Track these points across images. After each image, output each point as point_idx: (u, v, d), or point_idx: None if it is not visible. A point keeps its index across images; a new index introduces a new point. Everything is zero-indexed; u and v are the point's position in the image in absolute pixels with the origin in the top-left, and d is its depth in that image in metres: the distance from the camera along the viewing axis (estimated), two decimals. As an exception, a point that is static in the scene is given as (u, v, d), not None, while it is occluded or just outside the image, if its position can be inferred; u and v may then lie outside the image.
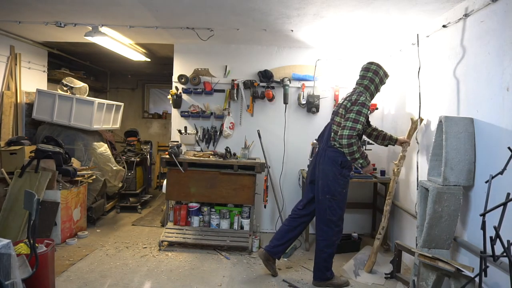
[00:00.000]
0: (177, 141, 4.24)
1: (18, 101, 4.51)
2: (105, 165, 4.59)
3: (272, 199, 4.49)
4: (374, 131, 3.42)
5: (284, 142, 4.44)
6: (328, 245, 3.01)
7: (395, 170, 3.42)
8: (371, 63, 3.05)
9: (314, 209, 3.13)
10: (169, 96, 4.46)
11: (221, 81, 4.44)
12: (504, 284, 2.10)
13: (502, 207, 1.82)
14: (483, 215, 1.86)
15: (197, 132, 4.46)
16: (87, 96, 4.83)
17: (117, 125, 5.40)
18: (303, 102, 4.35)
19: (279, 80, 4.35)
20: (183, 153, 4.15)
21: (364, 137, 4.03)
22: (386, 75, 3.08)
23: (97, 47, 4.51)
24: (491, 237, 1.77)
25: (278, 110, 4.44)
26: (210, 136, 4.47)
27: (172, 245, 3.80)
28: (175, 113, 4.55)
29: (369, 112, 2.96)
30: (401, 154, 3.36)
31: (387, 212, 3.37)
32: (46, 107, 4.53)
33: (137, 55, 4.98)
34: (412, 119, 3.41)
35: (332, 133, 2.97)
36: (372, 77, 3.00)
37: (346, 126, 2.80)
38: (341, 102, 3.06)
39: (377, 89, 3.06)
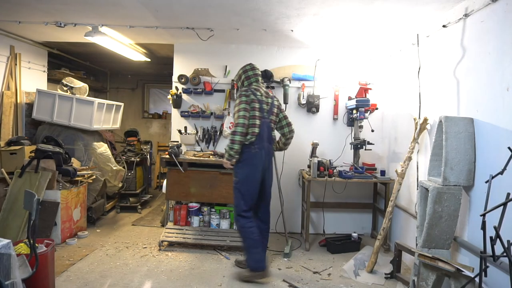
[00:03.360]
0: (177, 141, 4.24)
1: (18, 101, 4.51)
2: (105, 165, 4.59)
3: (272, 199, 4.48)
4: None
5: (284, 142, 4.44)
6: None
7: (400, 171, 3.36)
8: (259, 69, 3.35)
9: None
10: (169, 96, 4.45)
11: (221, 81, 4.44)
12: (504, 284, 2.10)
13: (502, 207, 1.82)
14: (483, 215, 1.86)
15: (197, 132, 4.46)
16: (87, 96, 4.83)
17: (117, 125, 5.40)
18: (303, 102, 4.35)
19: (279, 80, 4.35)
20: (183, 153, 4.15)
21: (364, 137, 4.06)
22: None
23: (97, 47, 4.51)
24: (491, 237, 1.77)
25: (278, 110, 4.44)
26: (210, 136, 4.47)
27: (172, 245, 3.80)
28: (175, 113, 4.55)
29: None
30: (407, 155, 3.34)
31: (389, 214, 3.36)
32: (46, 107, 4.53)
33: (137, 55, 4.98)
34: (414, 119, 3.40)
35: (273, 133, 3.30)
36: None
37: (287, 118, 3.40)
38: (268, 101, 3.19)
39: None
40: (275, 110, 3.27)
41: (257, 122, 3.08)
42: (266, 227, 3.36)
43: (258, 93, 3.14)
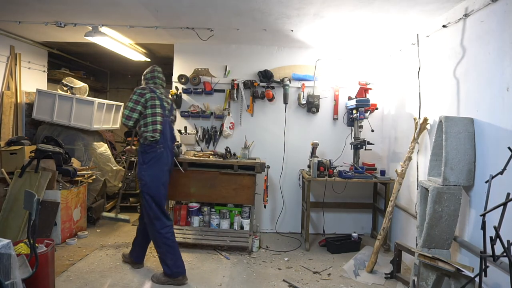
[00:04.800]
0: (177, 141, 4.24)
1: (18, 101, 4.51)
2: (105, 165, 4.59)
3: (272, 199, 4.49)
4: None
5: (284, 142, 4.44)
6: None
7: (400, 171, 3.36)
8: (160, 72, 3.30)
9: None
10: (169, 96, 4.45)
11: (221, 81, 4.44)
12: (504, 284, 2.10)
13: (502, 207, 1.82)
14: (483, 215, 1.87)
15: (197, 132, 4.46)
16: (87, 96, 4.83)
17: (117, 125, 5.40)
18: (303, 102, 4.35)
19: (279, 80, 4.35)
20: (183, 153, 4.15)
21: (364, 137, 4.06)
22: None
23: (97, 47, 4.51)
24: (491, 237, 1.77)
25: (278, 110, 4.44)
26: (210, 136, 4.47)
27: (172, 245, 3.79)
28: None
29: None
30: (407, 155, 3.34)
31: (389, 214, 3.36)
32: (46, 107, 4.53)
33: (137, 55, 4.98)
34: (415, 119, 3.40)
35: (174, 132, 3.21)
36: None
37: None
38: (168, 101, 3.16)
39: None
40: (174, 112, 3.24)
41: (159, 118, 2.93)
42: None
43: (158, 91, 3.05)
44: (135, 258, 3.25)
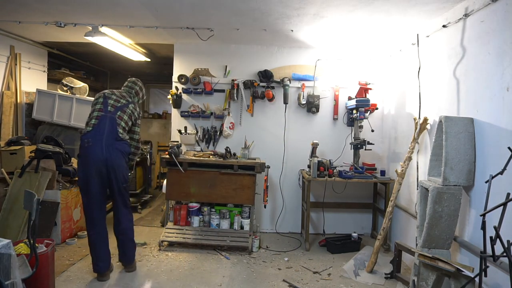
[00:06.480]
0: (177, 141, 4.24)
1: (18, 101, 4.51)
2: (105, 165, 4.57)
3: (272, 199, 4.49)
4: None
5: (284, 142, 4.44)
6: (133, 225, 3.21)
7: (400, 171, 3.36)
8: (136, 82, 3.34)
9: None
10: (169, 96, 4.46)
11: (221, 81, 4.44)
12: (504, 284, 2.10)
13: (502, 207, 1.82)
14: (483, 215, 1.87)
15: (197, 132, 4.46)
16: (87, 96, 4.84)
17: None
18: (303, 102, 4.35)
19: (279, 80, 4.35)
20: (183, 153, 4.15)
21: (364, 137, 4.06)
22: (143, 97, 3.48)
23: (97, 47, 4.51)
24: (491, 237, 1.77)
25: (278, 110, 4.44)
26: (210, 136, 4.47)
27: (172, 245, 3.80)
28: (175, 113, 4.55)
29: None
30: (407, 155, 3.34)
31: (389, 214, 3.36)
32: (46, 107, 4.54)
33: (137, 55, 4.98)
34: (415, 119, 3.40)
35: (121, 129, 3.00)
36: (140, 94, 3.40)
37: (138, 132, 3.32)
38: (121, 101, 3.08)
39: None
40: (128, 111, 3.09)
41: (95, 114, 2.95)
42: (120, 228, 3.09)
43: (108, 91, 3.11)
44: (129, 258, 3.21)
